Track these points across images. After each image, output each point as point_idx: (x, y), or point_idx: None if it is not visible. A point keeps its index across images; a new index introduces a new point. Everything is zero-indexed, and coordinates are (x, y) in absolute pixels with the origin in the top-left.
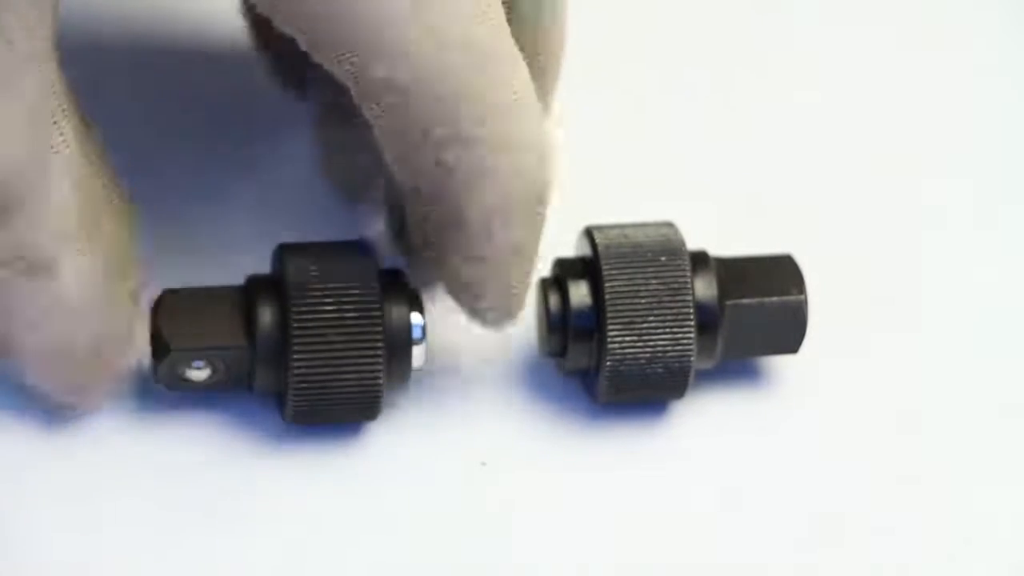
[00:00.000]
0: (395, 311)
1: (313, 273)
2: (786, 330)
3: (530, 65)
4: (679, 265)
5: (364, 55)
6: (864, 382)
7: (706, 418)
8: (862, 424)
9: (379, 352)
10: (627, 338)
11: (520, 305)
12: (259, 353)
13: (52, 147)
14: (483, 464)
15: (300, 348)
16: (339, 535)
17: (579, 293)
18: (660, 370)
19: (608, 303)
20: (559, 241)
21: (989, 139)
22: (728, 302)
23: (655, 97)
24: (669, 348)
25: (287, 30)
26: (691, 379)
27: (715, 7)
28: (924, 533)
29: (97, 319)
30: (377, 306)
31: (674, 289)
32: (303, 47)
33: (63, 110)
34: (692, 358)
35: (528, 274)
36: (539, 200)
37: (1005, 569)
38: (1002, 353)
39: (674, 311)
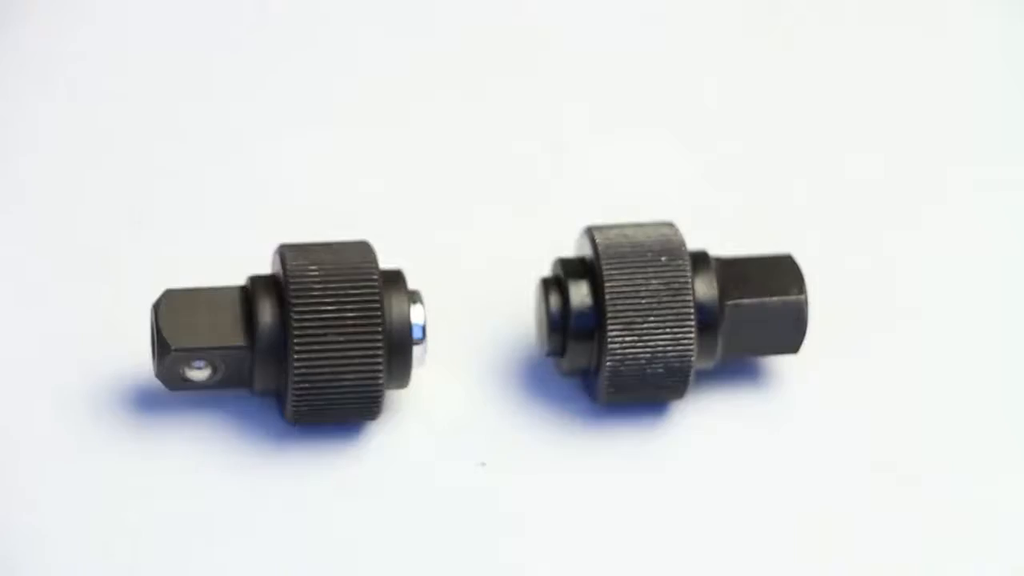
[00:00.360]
0: (395, 311)
1: (313, 273)
2: (786, 330)
3: None
4: (679, 265)
5: None
6: (864, 382)
7: (706, 418)
8: (862, 424)
9: (379, 352)
10: (627, 338)
11: None
12: (259, 353)
13: None
14: (483, 464)
15: (300, 348)
16: (339, 535)
17: (579, 293)
18: (660, 370)
19: (608, 303)
20: (559, 241)
21: (990, 140)
22: (728, 302)
23: (655, 96)
24: (669, 348)
25: None
26: (691, 379)
27: (715, 5)
28: (924, 533)
29: None
30: (377, 306)
31: (674, 289)
32: None
33: None
34: (692, 358)
35: None
36: None
37: (1005, 569)
38: (1002, 353)
39: (674, 311)
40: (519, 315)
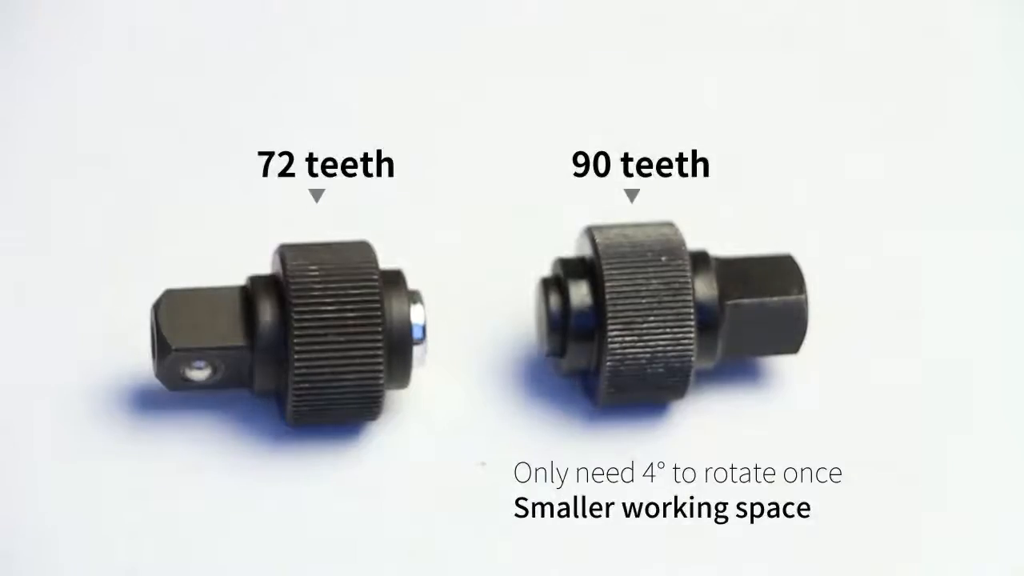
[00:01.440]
0: (395, 311)
1: (313, 273)
2: (786, 330)
3: None
4: (679, 265)
5: None
6: (864, 382)
7: (706, 418)
8: (863, 425)
9: (379, 352)
10: (627, 338)
11: None
12: (259, 353)
13: None
14: (483, 464)
15: (300, 348)
16: (339, 535)
17: (579, 293)
18: (660, 370)
19: (608, 303)
20: (559, 241)
21: (990, 139)
22: (728, 302)
23: (655, 96)
24: (669, 348)
25: None
26: (691, 379)
27: (715, 5)
28: (924, 533)
29: None
30: (377, 306)
31: (675, 289)
32: None
33: None
34: (692, 358)
35: None
36: None
37: (1005, 569)
38: (1002, 353)
39: (675, 311)
40: (519, 315)
